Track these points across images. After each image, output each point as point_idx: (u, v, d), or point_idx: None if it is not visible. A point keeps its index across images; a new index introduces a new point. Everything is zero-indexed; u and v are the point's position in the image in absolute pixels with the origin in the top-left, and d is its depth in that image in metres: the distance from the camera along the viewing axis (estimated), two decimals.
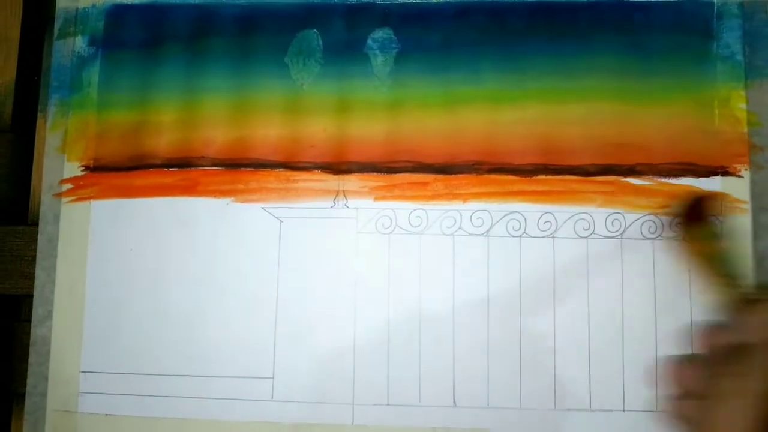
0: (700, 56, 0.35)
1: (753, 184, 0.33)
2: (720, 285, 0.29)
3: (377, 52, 0.35)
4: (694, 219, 0.33)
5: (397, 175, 0.34)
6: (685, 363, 0.27)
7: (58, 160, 0.36)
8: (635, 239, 0.33)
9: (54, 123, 0.36)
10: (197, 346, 0.34)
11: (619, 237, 0.33)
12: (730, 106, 0.34)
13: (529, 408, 0.33)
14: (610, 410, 0.32)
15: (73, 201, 0.35)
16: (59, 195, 0.35)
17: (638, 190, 0.34)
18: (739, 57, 0.34)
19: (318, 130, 0.35)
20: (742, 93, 0.34)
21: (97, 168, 0.35)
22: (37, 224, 0.35)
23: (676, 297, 0.33)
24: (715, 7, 0.35)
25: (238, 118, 0.35)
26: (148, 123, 0.35)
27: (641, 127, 0.34)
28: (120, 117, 0.36)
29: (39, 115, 0.36)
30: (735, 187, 0.33)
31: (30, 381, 0.34)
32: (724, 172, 0.34)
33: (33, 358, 0.34)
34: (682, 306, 0.33)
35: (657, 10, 0.35)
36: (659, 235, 0.33)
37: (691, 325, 0.32)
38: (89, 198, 0.35)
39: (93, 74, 0.36)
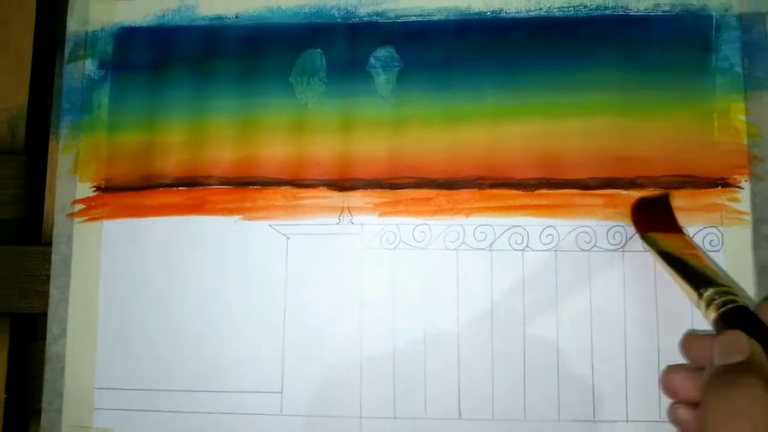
0: (699, 69, 0.35)
1: (753, 195, 0.34)
2: (688, 291, 0.29)
3: (380, 70, 0.36)
4: (648, 224, 0.33)
5: (400, 191, 0.35)
6: (678, 371, 0.28)
7: (70, 181, 0.36)
8: (637, 251, 0.34)
9: (66, 145, 0.37)
10: (208, 362, 0.35)
11: (621, 250, 0.34)
12: (730, 117, 0.34)
13: (534, 419, 0.33)
14: (615, 421, 0.33)
15: (85, 221, 0.36)
16: (72, 215, 0.36)
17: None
18: (738, 69, 0.35)
19: (323, 148, 0.36)
20: (742, 105, 0.35)
21: (108, 188, 0.36)
22: (50, 244, 0.36)
23: (678, 307, 0.33)
24: (714, 20, 0.35)
25: (244, 137, 0.36)
26: (157, 143, 0.36)
27: (641, 140, 0.35)
28: (130, 138, 0.37)
29: (51, 137, 0.37)
30: (735, 199, 0.34)
31: (45, 398, 0.35)
32: (725, 183, 0.34)
33: (48, 375, 0.35)
34: (684, 316, 0.33)
35: (656, 24, 0.35)
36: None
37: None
38: (101, 218, 0.36)
39: (103, 96, 0.37)
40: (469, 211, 0.35)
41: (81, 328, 0.35)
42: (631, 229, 0.34)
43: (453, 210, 0.35)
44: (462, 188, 0.35)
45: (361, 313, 0.34)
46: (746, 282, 0.33)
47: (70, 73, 0.37)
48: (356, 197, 0.35)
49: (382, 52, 0.36)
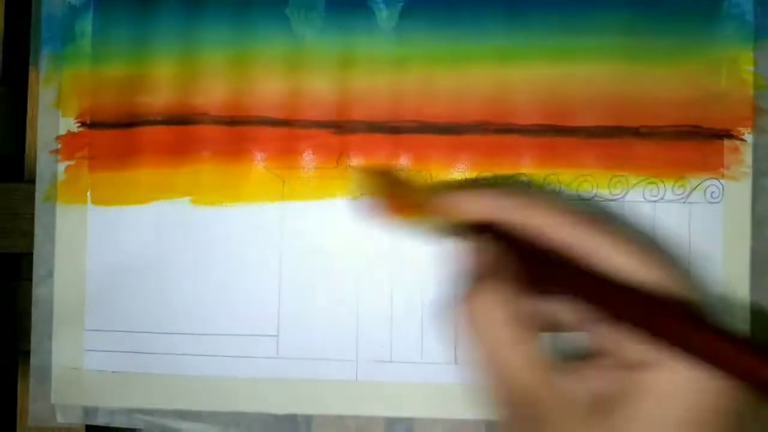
0: (709, 15, 0.34)
1: (755, 147, 0.34)
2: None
3: (382, 5, 0.34)
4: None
5: (402, 135, 0.34)
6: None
7: (53, 116, 0.35)
8: (637, 202, 0.34)
9: (47, 77, 0.35)
10: (202, 304, 0.34)
11: (621, 200, 0.34)
12: (738, 67, 0.34)
13: None
14: None
15: (70, 158, 0.34)
16: (56, 152, 0.34)
17: (642, 153, 0.34)
18: (749, 17, 0.34)
19: (321, 86, 0.34)
20: (750, 54, 0.34)
21: (93, 124, 0.35)
22: (34, 181, 0.34)
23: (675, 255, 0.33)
24: None
25: (237, 72, 0.34)
26: (145, 77, 0.34)
27: (647, 87, 0.34)
28: (115, 71, 0.35)
29: (31, 68, 0.35)
30: (738, 151, 0.33)
31: (34, 339, 0.34)
32: (728, 135, 0.34)
33: (36, 316, 0.34)
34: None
35: None
36: (661, 198, 0.34)
37: None
38: (87, 157, 0.34)
39: (86, 25, 0.35)
40: (472, 158, 0.34)
41: (69, 270, 0.34)
42: (634, 179, 0.33)
43: (455, 156, 0.34)
44: (465, 133, 0.34)
45: (359, 257, 0.34)
46: (743, 234, 0.33)
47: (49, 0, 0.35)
48: (355, 140, 0.34)
49: None
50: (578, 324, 0.24)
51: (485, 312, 0.23)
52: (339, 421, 0.34)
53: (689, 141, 0.34)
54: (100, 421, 0.34)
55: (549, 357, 0.23)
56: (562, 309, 0.24)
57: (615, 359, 0.22)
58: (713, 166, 0.34)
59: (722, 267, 0.33)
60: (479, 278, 0.24)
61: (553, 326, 0.25)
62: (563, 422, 0.21)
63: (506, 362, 0.22)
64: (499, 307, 0.23)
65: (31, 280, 0.34)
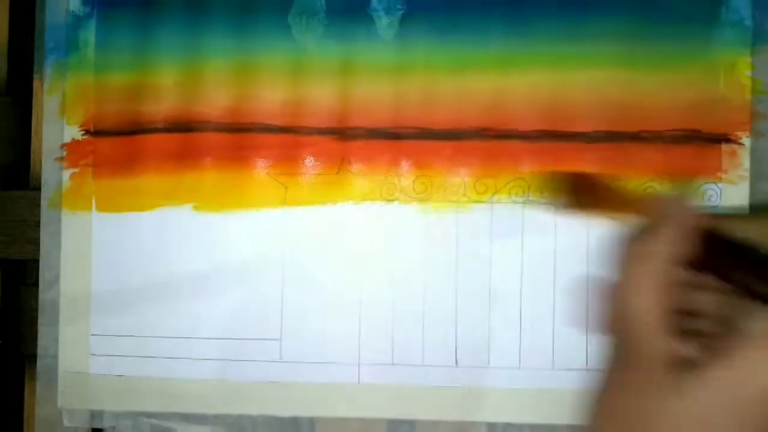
0: (708, 21, 0.34)
1: (753, 151, 0.34)
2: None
3: (381, 13, 0.35)
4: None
5: (402, 141, 0.34)
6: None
7: (57, 124, 0.35)
8: None
9: (51, 86, 0.35)
10: (206, 309, 0.34)
11: None
12: (736, 72, 0.34)
13: (528, 368, 0.34)
14: None
15: (74, 165, 0.35)
16: (61, 159, 0.35)
17: (642, 157, 0.34)
18: (748, 22, 0.34)
19: (322, 94, 0.34)
20: (748, 59, 0.34)
21: (98, 132, 0.35)
22: (39, 189, 0.35)
23: None
24: None
25: (240, 80, 0.35)
26: (148, 85, 0.35)
27: (647, 93, 0.34)
28: (119, 79, 0.35)
29: (35, 77, 0.35)
30: (736, 155, 0.34)
31: (41, 343, 0.35)
32: (727, 139, 0.34)
33: (42, 321, 0.35)
34: None
35: None
36: None
37: None
38: (91, 164, 0.35)
39: (89, 34, 0.35)
40: (472, 163, 0.34)
41: (74, 275, 0.35)
42: (635, 183, 0.34)
43: (456, 162, 0.34)
44: (466, 139, 0.34)
45: (361, 261, 0.34)
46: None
47: (52, 9, 0.35)
48: (357, 146, 0.34)
49: None
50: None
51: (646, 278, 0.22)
52: (342, 423, 0.34)
53: (688, 145, 0.34)
54: (106, 424, 0.35)
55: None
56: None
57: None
58: (711, 170, 0.34)
59: None
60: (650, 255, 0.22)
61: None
62: (653, 373, 0.21)
63: (641, 321, 0.22)
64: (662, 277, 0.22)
65: (37, 285, 0.35)
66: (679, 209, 0.24)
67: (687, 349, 0.21)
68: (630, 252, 0.22)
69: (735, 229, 0.24)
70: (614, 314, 0.22)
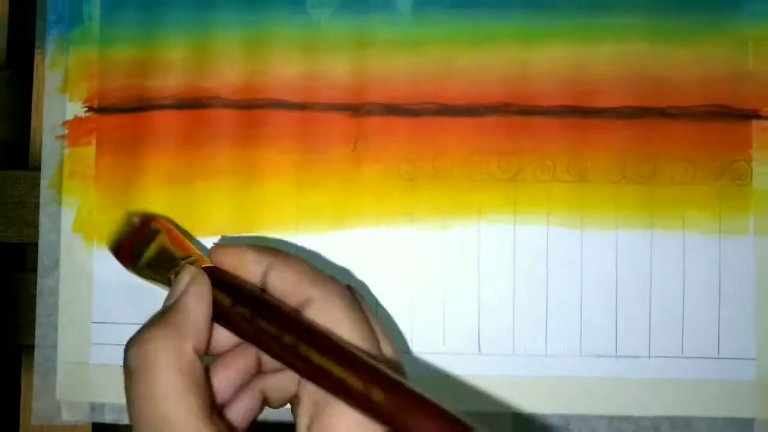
0: None
1: None
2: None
3: None
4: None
5: (420, 118, 0.33)
6: None
7: (59, 101, 0.33)
8: (665, 185, 0.32)
9: (53, 60, 0.34)
10: None
11: (650, 182, 0.33)
12: (765, 45, 0.33)
13: (555, 355, 0.32)
14: (636, 357, 0.32)
15: (77, 144, 0.33)
16: (62, 137, 0.33)
17: (669, 134, 0.33)
18: None
19: (337, 69, 0.33)
20: None
21: (101, 109, 0.33)
22: (39, 169, 0.33)
23: (706, 238, 0.32)
24: None
25: (251, 55, 0.33)
26: (155, 60, 0.33)
27: (673, 66, 0.33)
28: (125, 54, 0.33)
29: (36, 51, 0.34)
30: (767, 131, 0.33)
31: (39, 332, 0.33)
32: (757, 115, 0.33)
33: (41, 309, 0.33)
34: (711, 249, 0.32)
35: None
36: (690, 180, 0.32)
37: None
38: (94, 142, 0.33)
39: (94, 7, 0.34)
40: (493, 140, 0.33)
41: (75, 260, 0.33)
42: (662, 161, 0.32)
43: (476, 138, 0.33)
44: (486, 115, 0.33)
45: (379, 243, 0.33)
46: None
47: None
48: (373, 123, 0.33)
49: None
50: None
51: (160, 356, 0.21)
52: None
53: (717, 121, 0.33)
54: (108, 418, 0.33)
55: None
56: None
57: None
58: (742, 147, 0.33)
59: (753, 247, 0.32)
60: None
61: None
62: None
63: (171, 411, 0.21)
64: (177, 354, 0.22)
65: (35, 270, 0.33)
66: (198, 286, 0.23)
67: None
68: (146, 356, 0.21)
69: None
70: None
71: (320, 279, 0.24)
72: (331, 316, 0.22)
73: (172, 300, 0.23)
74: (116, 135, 0.33)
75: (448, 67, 0.33)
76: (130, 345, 0.22)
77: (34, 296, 0.33)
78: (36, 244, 0.33)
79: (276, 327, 0.22)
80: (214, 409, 0.22)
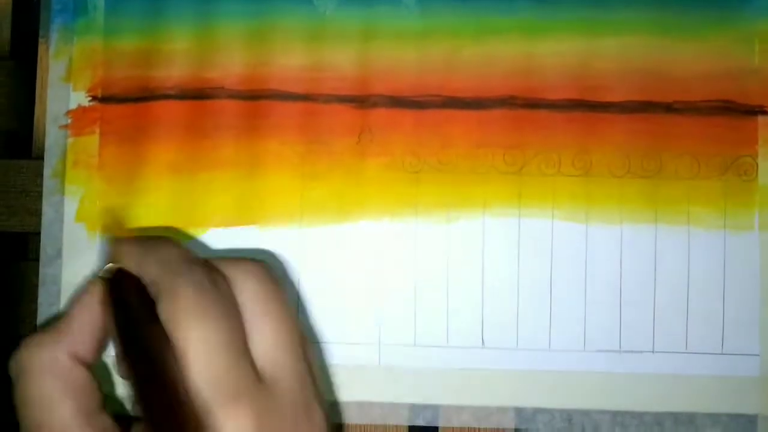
0: None
1: None
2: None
3: None
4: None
5: (425, 110, 0.33)
6: None
7: (63, 90, 0.33)
8: (670, 180, 0.32)
9: (57, 50, 0.33)
10: None
11: (655, 177, 0.32)
12: None
13: (558, 350, 0.32)
14: (641, 351, 0.32)
15: (80, 133, 0.33)
16: (65, 127, 0.33)
17: (675, 129, 0.32)
18: None
19: (342, 60, 0.33)
20: None
21: (105, 98, 0.33)
22: (42, 158, 0.33)
23: (711, 233, 0.32)
24: None
25: (256, 46, 0.33)
26: (159, 50, 0.33)
27: (679, 61, 0.33)
28: (129, 44, 0.33)
29: (40, 41, 0.34)
30: None
31: (41, 322, 0.33)
32: (763, 111, 0.33)
33: (43, 298, 0.33)
34: (716, 244, 0.32)
35: None
36: (695, 175, 0.32)
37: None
38: (98, 132, 0.33)
39: None
40: (498, 133, 0.33)
41: (78, 249, 0.33)
42: (668, 156, 0.32)
43: (481, 131, 0.33)
44: (491, 108, 0.33)
45: (382, 236, 0.32)
46: None
47: None
48: (377, 115, 0.33)
49: None
50: None
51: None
52: (362, 407, 0.32)
53: (722, 117, 0.33)
54: (109, 410, 0.32)
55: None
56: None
57: None
58: (747, 143, 0.33)
59: (758, 242, 0.32)
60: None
61: None
62: None
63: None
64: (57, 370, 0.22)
65: (38, 260, 0.33)
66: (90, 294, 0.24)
67: None
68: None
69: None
70: None
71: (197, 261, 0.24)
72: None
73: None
74: (120, 125, 0.33)
75: (454, 60, 0.33)
76: (16, 350, 0.23)
77: (37, 286, 0.33)
78: (39, 234, 0.33)
79: (121, 348, 0.23)
80: (102, 411, 0.23)
